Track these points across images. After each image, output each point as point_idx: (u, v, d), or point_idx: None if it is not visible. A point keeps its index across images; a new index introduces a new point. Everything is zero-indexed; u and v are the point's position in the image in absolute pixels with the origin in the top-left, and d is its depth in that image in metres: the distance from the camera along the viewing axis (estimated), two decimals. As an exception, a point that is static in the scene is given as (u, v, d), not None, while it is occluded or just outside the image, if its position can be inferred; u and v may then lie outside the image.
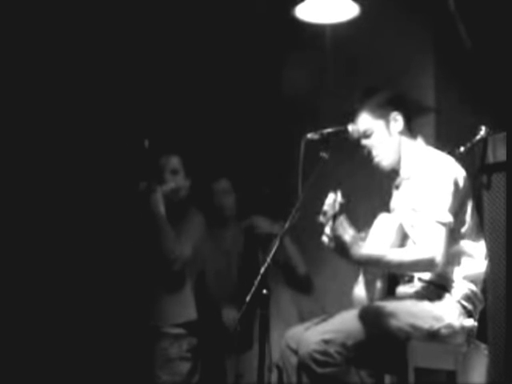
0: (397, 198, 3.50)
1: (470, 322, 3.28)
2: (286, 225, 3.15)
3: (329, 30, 4.63)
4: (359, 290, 3.41)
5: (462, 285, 3.27)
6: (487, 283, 3.35)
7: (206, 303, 4.49)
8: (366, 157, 3.45)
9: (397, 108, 3.43)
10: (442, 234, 3.16)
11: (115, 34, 4.88)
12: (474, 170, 3.47)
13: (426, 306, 3.24)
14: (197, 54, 5.09)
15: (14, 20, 4.62)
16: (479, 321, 3.33)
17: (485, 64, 4.17)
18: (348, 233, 3.01)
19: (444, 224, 3.17)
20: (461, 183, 3.28)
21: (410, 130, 3.46)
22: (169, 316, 4.23)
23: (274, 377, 3.89)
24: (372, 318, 3.19)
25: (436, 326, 3.20)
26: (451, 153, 3.48)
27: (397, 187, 3.50)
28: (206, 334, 4.39)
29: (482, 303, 3.33)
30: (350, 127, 3.39)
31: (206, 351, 4.39)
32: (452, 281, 3.27)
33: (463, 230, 3.28)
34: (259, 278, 3.06)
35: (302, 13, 4.35)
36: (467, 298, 3.27)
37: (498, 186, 3.41)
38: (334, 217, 2.94)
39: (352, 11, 4.31)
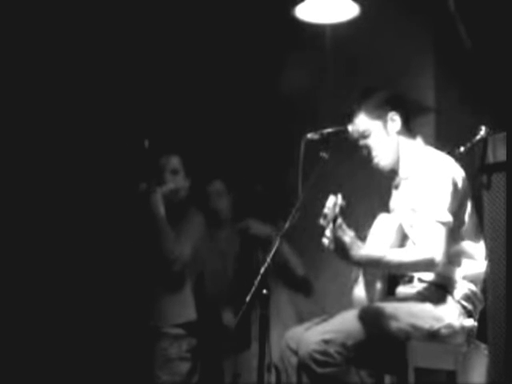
0: (396, 198, 3.50)
1: (470, 322, 3.28)
2: (286, 225, 3.15)
3: (329, 30, 4.63)
4: (359, 291, 3.41)
5: (461, 285, 3.27)
6: (487, 283, 3.35)
7: (205, 304, 4.49)
8: (365, 157, 3.45)
9: (394, 108, 3.42)
10: (441, 233, 3.16)
11: (115, 34, 4.89)
12: (474, 169, 3.46)
13: (426, 306, 3.24)
14: (196, 54, 5.09)
15: (14, 20, 4.62)
16: (479, 321, 3.32)
17: (485, 64, 4.17)
18: (348, 234, 3.01)
19: (443, 223, 3.17)
20: (460, 183, 3.28)
21: (409, 129, 3.46)
22: (168, 316, 4.23)
23: (273, 377, 3.91)
24: (372, 318, 3.19)
25: (436, 326, 3.20)
26: (451, 153, 3.47)
27: (396, 187, 3.50)
28: (206, 334, 4.39)
29: (481, 303, 3.33)
30: (350, 127, 3.39)
31: (206, 351, 4.39)
32: (452, 281, 3.27)
33: (463, 230, 3.28)
34: (259, 277, 3.06)
35: (301, 13, 4.35)
36: (467, 298, 3.27)
37: (498, 186, 3.40)
38: (335, 219, 2.94)
39: (352, 11, 4.32)
